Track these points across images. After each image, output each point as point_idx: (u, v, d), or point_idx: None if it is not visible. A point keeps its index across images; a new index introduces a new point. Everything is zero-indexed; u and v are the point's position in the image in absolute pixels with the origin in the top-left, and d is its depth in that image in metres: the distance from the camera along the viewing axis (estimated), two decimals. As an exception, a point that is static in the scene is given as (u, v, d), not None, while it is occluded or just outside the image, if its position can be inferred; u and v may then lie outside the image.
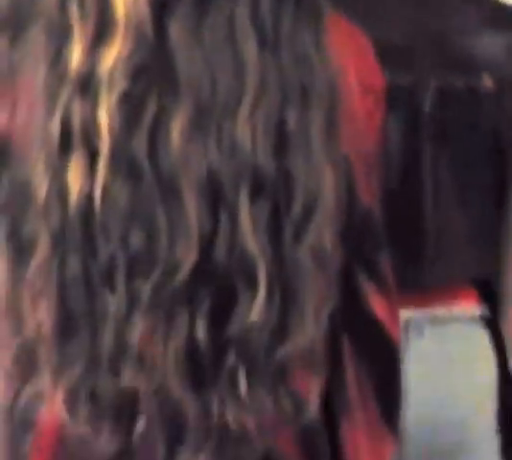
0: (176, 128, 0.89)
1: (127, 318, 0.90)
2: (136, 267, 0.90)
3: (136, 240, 0.89)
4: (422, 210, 1.46)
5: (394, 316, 1.04)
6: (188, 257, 0.89)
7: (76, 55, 0.91)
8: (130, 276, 0.90)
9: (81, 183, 0.89)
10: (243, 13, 0.91)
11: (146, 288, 0.90)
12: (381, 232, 1.04)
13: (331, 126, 0.94)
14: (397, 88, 1.27)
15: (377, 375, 1.02)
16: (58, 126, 0.91)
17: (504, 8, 1.55)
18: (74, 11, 0.92)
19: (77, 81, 0.91)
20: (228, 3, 0.91)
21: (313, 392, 0.94)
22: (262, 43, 0.91)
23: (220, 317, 0.90)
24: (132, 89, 0.90)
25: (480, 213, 1.51)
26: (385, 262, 1.04)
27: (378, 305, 1.01)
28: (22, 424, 0.98)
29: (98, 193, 0.89)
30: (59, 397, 0.92)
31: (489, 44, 1.50)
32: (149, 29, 0.90)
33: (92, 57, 0.91)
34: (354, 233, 0.98)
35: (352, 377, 1.00)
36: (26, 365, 0.96)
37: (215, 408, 0.90)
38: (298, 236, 0.91)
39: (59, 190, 0.90)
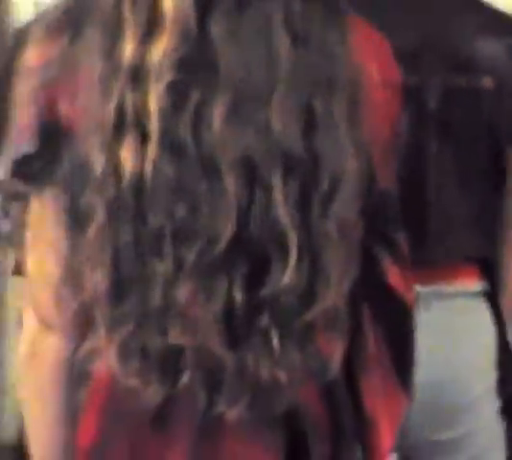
0: (217, 114, 0.97)
1: (173, 282, 0.98)
2: (181, 237, 0.97)
3: (181, 212, 0.97)
4: (427, 197, 1.55)
5: (408, 286, 1.12)
6: (227, 228, 0.96)
7: (128, 49, 1.00)
8: (176, 244, 0.97)
9: (132, 161, 0.98)
10: (277, 13, 1.00)
11: (190, 255, 0.97)
12: (397, 211, 1.12)
13: (354, 113, 1.02)
14: (406, 87, 1.38)
15: (393, 337, 1.10)
16: (112, 112, 0.99)
17: (502, 13, 1.65)
18: (127, 8, 1.01)
19: (129, 72, 1.00)
20: (264, 4, 1.00)
21: (336, 351, 1.02)
22: (293, 40, 0.99)
23: (254, 282, 0.98)
24: (178, 79, 0.98)
25: (480, 199, 1.60)
26: (402, 238, 1.12)
27: (394, 275, 1.09)
28: (79, 376, 1.05)
29: (148, 169, 0.97)
30: (113, 352, 1.00)
31: (489, 47, 1.59)
32: (192, 24, 0.99)
33: (142, 50, 1.00)
34: (373, 210, 1.06)
35: (371, 339, 1.08)
36: (84, 324, 1.04)
37: (250, 363, 0.98)
38: (325, 210, 0.99)
39: (114, 167, 0.98)
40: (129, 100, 1.00)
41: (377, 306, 1.09)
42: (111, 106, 1.00)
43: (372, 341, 1.09)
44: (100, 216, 1.00)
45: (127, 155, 0.99)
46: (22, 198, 1.10)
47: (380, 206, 1.09)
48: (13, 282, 3.25)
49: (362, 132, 1.04)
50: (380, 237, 1.10)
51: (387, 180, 1.11)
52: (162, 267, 0.99)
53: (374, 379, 1.09)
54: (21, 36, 1.20)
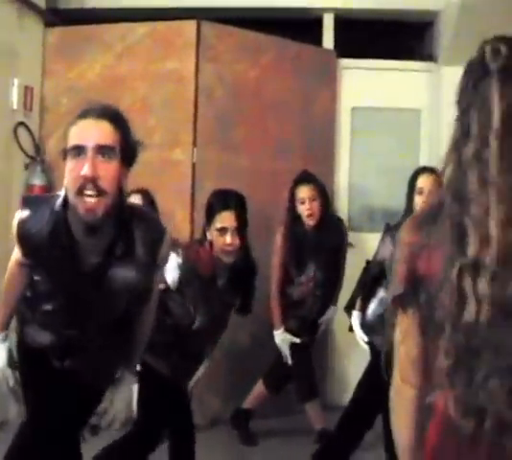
0: None
1: (490, 374, 1.39)
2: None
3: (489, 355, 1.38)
4: None
5: None
6: None
7: (471, 248, 1.41)
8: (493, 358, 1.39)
9: (468, 313, 1.39)
10: None
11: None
12: None
13: None
14: None
15: None
16: (455, 278, 1.42)
17: None
18: (467, 227, 1.41)
19: (469, 263, 1.41)
20: None
21: None
22: None
23: None
24: (499, 271, 1.38)
25: None
26: None
27: None
28: (427, 410, 1.51)
29: (481, 320, 1.38)
30: (451, 403, 1.43)
31: None
32: None
33: (480, 250, 1.40)
34: None
35: None
36: (429, 383, 1.50)
37: None
38: None
39: (455, 305, 1.42)
40: (466, 283, 1.41)
41: None
42: (454, 273, 1.42)
43: None
44: (446, 330, 1.43)
45: (461, 306, 1.40)
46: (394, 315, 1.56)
47: None
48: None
49: None
50: None
51: None
52: (481, 366, 1.40)
53: None
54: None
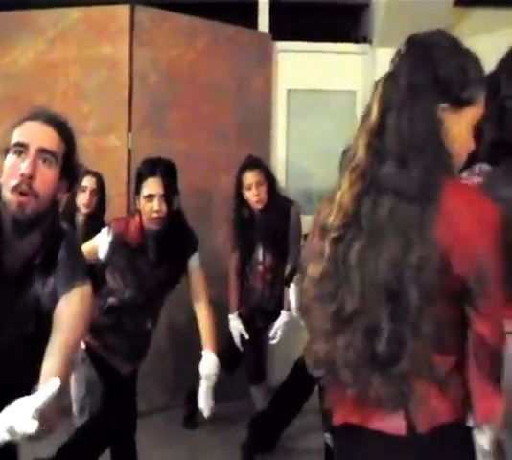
0: (353, 251, 1.62)
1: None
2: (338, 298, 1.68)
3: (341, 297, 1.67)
4: None
5: (494, 332, 1.63)
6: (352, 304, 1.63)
7: (322, 214, 1.77)
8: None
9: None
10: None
11: (330, 309, 1.69)
12: (478, 287, 1.60)
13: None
14: None
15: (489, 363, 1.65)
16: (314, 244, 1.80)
17: None
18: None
19: (322, 226, 1.73)
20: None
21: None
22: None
23: (369, 337, 1.62)
24: (339, 235, 1.66)
25: None
26: (491, 299, 1.61)
27: (480, 325, 1.62)
28: None
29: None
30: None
31: None
32: (350, 211, 1.65)
33: (327, 217, 1.74)
34: (456, 288, 1.60)
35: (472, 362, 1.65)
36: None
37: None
38: (420, 311, 1.58)
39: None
40: (321, 240, 1.73)
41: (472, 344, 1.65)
42: (315, 236, 1.76)
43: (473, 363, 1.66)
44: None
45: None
46: None
47: (461, 285, 1.60)
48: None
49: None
50: (469, 302, 1.62)
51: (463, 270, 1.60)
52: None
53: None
54: None
